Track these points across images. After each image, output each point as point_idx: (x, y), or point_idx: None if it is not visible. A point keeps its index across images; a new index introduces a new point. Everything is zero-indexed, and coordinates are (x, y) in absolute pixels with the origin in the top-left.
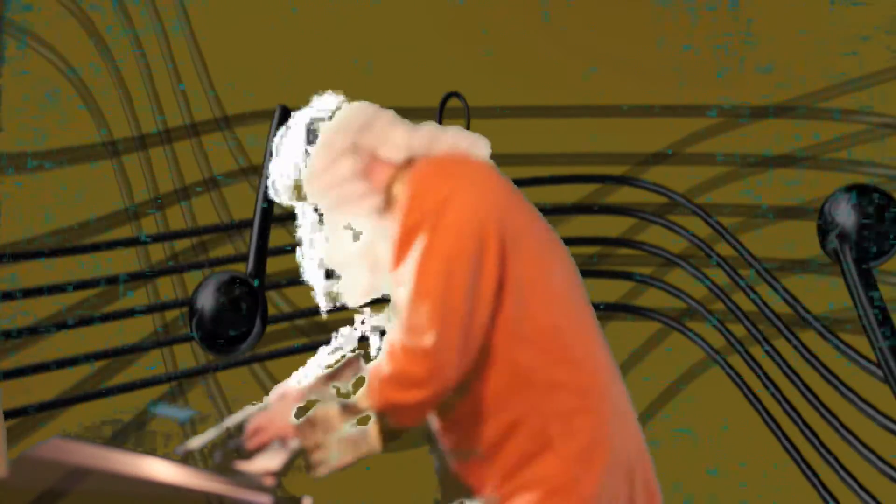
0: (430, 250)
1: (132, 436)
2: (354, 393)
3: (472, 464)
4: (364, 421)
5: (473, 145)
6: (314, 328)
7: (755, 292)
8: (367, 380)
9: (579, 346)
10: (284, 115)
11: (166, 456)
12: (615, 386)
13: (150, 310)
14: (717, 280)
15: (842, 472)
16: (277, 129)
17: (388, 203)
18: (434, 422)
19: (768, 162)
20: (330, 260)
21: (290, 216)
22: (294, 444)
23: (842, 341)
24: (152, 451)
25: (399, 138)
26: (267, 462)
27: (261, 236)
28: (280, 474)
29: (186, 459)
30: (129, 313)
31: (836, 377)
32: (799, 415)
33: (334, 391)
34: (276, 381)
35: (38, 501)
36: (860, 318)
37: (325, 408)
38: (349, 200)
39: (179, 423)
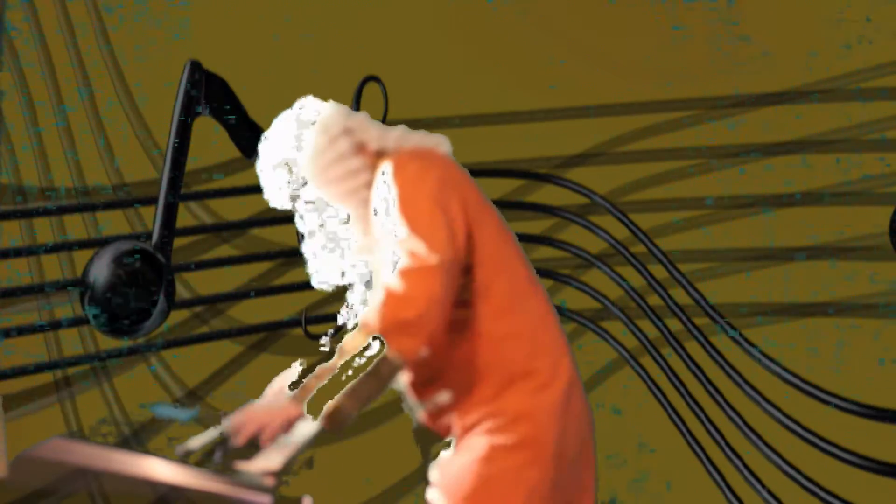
0: (412, 199)
1: (132, 436)
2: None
3: (440, 412)
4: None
5: (438, 143)
6: (219, 320)
7: (667, 293)
8: (364, 315)
9: (532, 296)
10: (194, 70)
11: (166, 456)
12: (567, 346)
13: (32, 290)
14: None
15: (746, 473)
16: (186, 84)
17: (371, 181)
18: (404, 377)
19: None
20: (333, 235)
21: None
22: (300, 431)
23: (748, 341)
24: (152, 451)
25: (376, 131)
26: (267, 462)
27: (168, 209)
28: (281, 474)
29: (186, 459)
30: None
31: (744, 379)
32: (706, 415)
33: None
34: (177, 379)
35: (38, 501)
36: None
37: (318, 369)
38: (349, 175)
39: (179, 422)
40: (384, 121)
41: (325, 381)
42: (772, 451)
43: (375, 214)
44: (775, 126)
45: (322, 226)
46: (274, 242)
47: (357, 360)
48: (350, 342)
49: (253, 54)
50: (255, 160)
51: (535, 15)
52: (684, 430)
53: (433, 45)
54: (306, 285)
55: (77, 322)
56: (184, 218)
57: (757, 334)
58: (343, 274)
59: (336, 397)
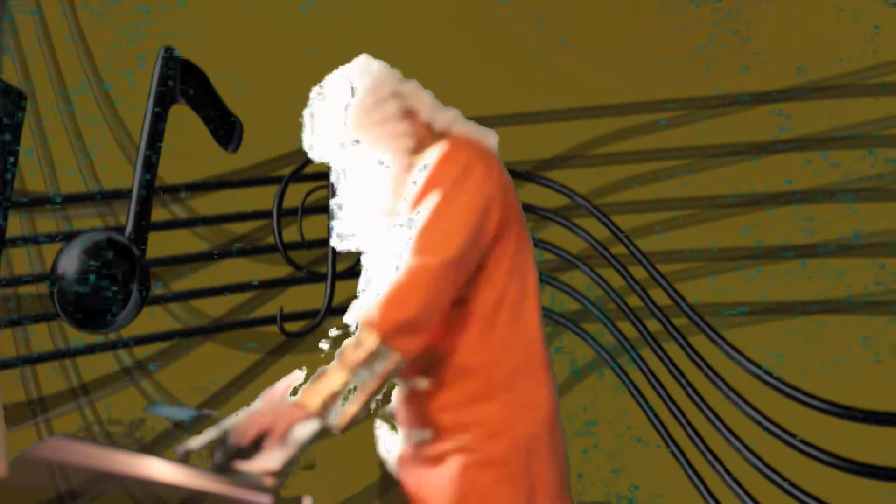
0: (453, 192)
1: (132, 436)
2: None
3: (420, 400)
4: (361, 359)
5: (487, 136)
6: (191, 315)
7: (647, 294)
8: (364, 315)
9: (532, 315)
10: (167, 57)
11: (166, 456)
12: (549, 360)
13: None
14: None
15: (727, 478)
16: (160, 70)
17: (417, 150)
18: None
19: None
20: (366, 195)
21: (169, 189)
22: (301, 432)
23: (729, 344)
24: (152, 451)
25: (428, 104)
26: (267, 462)
27: (143, 199)
28: (281, 474)
29: (186, 459)
30: None
31: (722, 379)
32: (685, 415)
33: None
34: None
35: (38, 501)
36: None
37: (322, 371)
38: (392, 137)
39: (179, 422)
40: None
41: (329, 383)
42: (749, 452)
43: (409, 192)
44: (751, 128)
45: (358, 182)
46: (248, 238)
47: (358, 360)
48: (351, 343)
49: (255, 55)
50: (232, 151)
51: (520, 15)
52: (662, 431)
53: (415, 44)
54: (281, 282)
55: (46, 317)
56: (158, 213)
57: (737, 335)
58: (362, 239)
59: (340, 399)
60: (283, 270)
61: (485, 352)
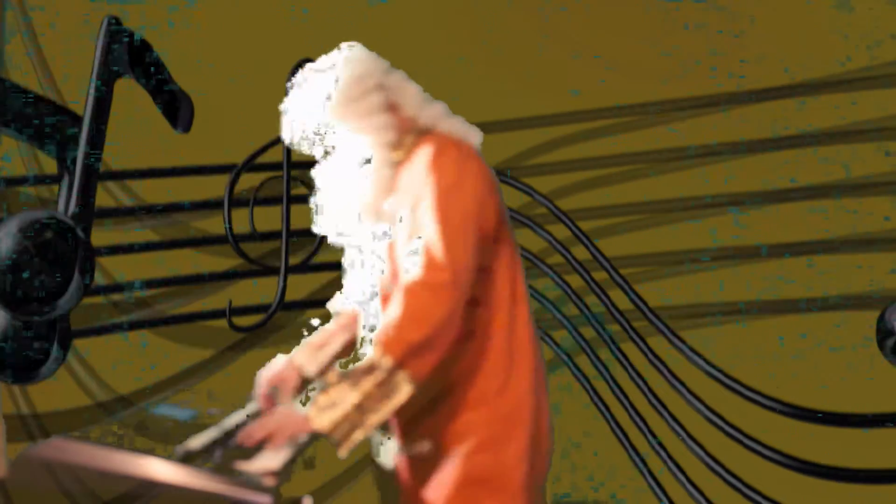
0: (447, 201)
1: (132, 436)
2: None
3: (414, 410)
4: (374, 384)
5: (471, 133)
6: (136, 306)
7: (607, 295)
8: (377, 337)
9: (524, 320)
10: (112, 28)
11: (166, 456)
12: (542, 365)
13: None
14: (587, 280)
15: (679, 476)
16: (104, 42)
17: (398, 144)
18: None
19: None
20: (346, 186)
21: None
22: (303, 439)
23: (687, 345)
24: (152, 451)
25: (414, 98)
26: (267, 462)
27: (86, 177)
28: (281, 474)
29: (186, 459)
30: None
31: (681, 381)
32: (642, 417)
33: (335, 368)
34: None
35: (38, 501)
36: None
37: (332, 388)
38: (373, 130)
39: (180, 422)
40: None
41: (340, 404)
42: (704, 453)
43: (402, 197)
44: (711, 130)
45: (339, 173)
46: (198, 229)
47: (372, 386)
48: (365, 365)
49: (259, 58)
50: (181, 131)
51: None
52: (618, 432)
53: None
54: (233, 275)
55: None
56: (102, 198)
57: (695, 336)
58: (343, 233)
59: (349, 423)
60: (233, 262)
61: (480, 359)
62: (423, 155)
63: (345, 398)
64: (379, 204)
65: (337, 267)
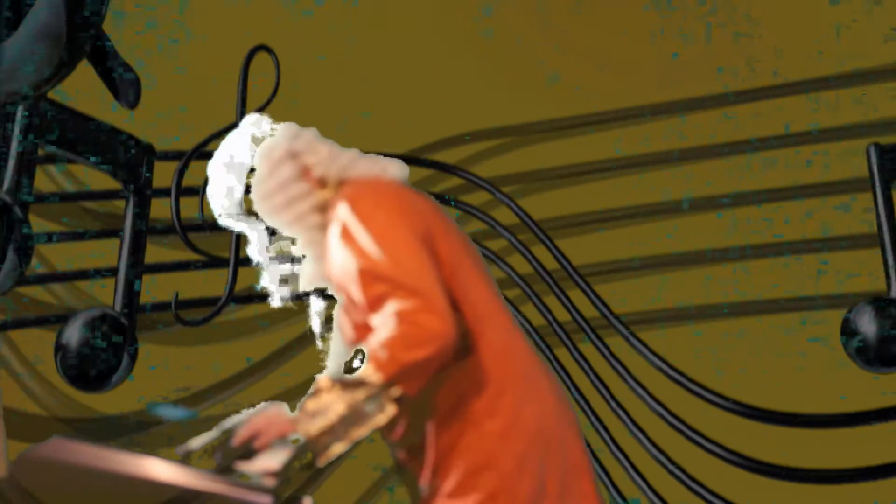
0: (383, 238)
1: (132, 436)
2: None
3: (412, 451)
4: (362, 398)
5: (386, 169)
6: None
7: (566, 295)
8: (369, 353)
9: (502, 332)
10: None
11: (166, 456)
12: (534, 365)
13: None
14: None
15: (631, 471)
16: None
17: (321, 207)
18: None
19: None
20: (283, 259)
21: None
22: (295, 441)
23: (645, 345)
24: (152, 451)
25: (324, 151)
26: (267, 462)
27: (23, 152)
28: (281, 474)
29: (186, 459)
30: None
31: (639, 382)
32: (595, 413)
33: (326, 375)
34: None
35: (38, 501)
36: None
37: (322, 394)
38: (293, 201)
39: (180, 422)
40: (275, 93)
41: (327, 413)
42: (657, 450)
43: (339, 268)
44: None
45: (270, 251)
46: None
47: (359, 400)
48: (357, 378)
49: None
50: (129, 108)
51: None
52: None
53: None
54: (180, 266)
55: None
56: (42, 182)
57: (652, 336)
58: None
59: (331, 433)
60: (180, 254)
61: (463, 377)
62: (341, 211)
63: (332, 407)
64: (318, 269)
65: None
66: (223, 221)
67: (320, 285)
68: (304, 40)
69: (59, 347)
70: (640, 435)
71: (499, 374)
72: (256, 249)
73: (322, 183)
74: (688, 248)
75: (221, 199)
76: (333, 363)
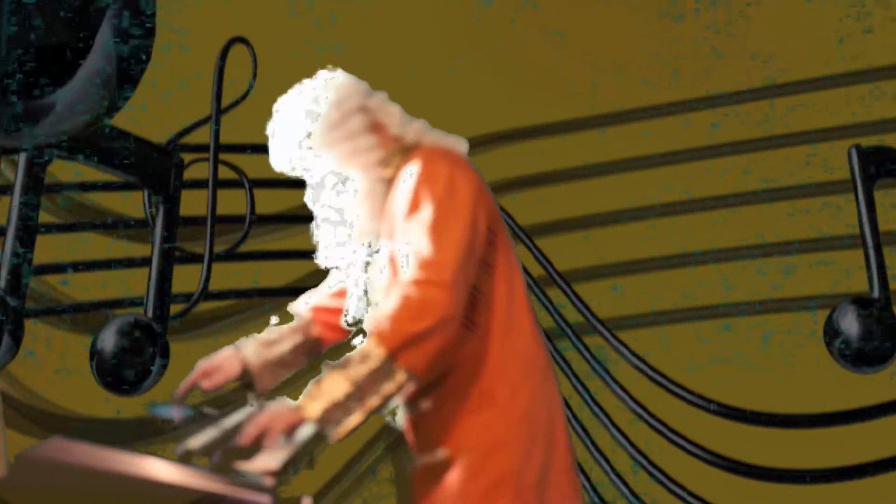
0: (443, 208)
1: (132, 436)
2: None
3: (419, 417)
4: (366, 373)
5: (456, 143)
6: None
7: (547, 296)
8: (372, 325)
9: (528, 321)
10: None
11: (166, 456)
12: (548, 358)
13: None
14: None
15: (612, 475)
16: None
17: (387, 162)
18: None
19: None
20: (339, 211)
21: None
22: (301, 434)
23: (629, 349)
24: (152, 452)
25: (396, 116)
26: (267, 462)
27: None
28: (280, 474)
29: (186, 459)
30: None
31: (620, 385)
32: (573, 411)
33: (326, 362)
34: None
35: (38, 501)
36: None
37: (325, 376)
38: (360, 152)
39: (179, 422)
40: (251, 86)
41: (330, 392)
42: (636, 450)
43: (396, 209)
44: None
45: (331, 200)
46: (112, 212)
47: (363, 374)
48: (358, 354)
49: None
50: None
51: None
52: None
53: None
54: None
55: None
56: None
57: (631, 338)
58: (343, 257)
59: (341, 410)
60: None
61: (485, 358)
62: (413, 169)
63: (336, 387)
64: (373, 225)
65: (265, 256)
66: (283, 166)
67: (370, 242)
68: (302, 39)
69: (94, 353)
70: (620, 437)
71: (523, 361)
72: (311, 198)
73: (397, 140)
74: (669, 251)
75: (289, 141)
76: (349, 317)
